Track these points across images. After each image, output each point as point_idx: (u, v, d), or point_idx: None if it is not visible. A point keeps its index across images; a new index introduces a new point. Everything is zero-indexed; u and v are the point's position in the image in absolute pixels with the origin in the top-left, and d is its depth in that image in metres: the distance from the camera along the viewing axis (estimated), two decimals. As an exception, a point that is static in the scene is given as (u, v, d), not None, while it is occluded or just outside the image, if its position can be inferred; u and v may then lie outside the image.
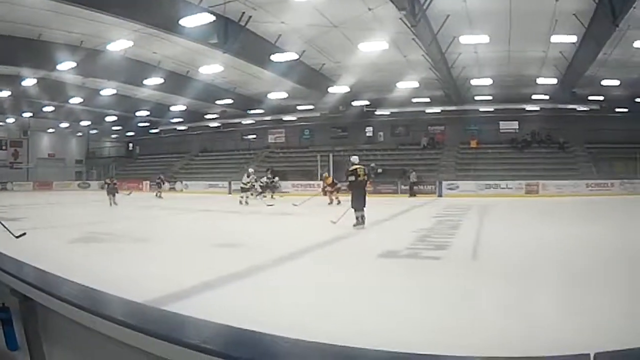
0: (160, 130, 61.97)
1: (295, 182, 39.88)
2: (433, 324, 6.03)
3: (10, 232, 11.92)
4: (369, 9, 24.24)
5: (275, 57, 28.97)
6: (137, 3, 22.20)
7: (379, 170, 42.76)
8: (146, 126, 61.55)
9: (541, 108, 46.23)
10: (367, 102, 46.97)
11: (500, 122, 49.16)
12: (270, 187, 35.42)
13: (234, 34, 25.74)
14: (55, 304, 2.34)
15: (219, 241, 13.17)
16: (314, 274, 9.23)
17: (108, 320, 2.07)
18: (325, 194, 29.85)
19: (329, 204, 27.72)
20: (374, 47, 28.04)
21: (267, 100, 44.30)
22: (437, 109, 48.30)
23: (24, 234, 12.16)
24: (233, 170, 45.19)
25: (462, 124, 49.84)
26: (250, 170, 29.60)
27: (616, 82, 37.16)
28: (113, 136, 68.33)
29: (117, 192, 28.72)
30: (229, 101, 44.99)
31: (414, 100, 45.16)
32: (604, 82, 37.43)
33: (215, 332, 2.22)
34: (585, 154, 44.10)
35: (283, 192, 38.76)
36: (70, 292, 2.44)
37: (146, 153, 63.76)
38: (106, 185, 29.76)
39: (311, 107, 47.60)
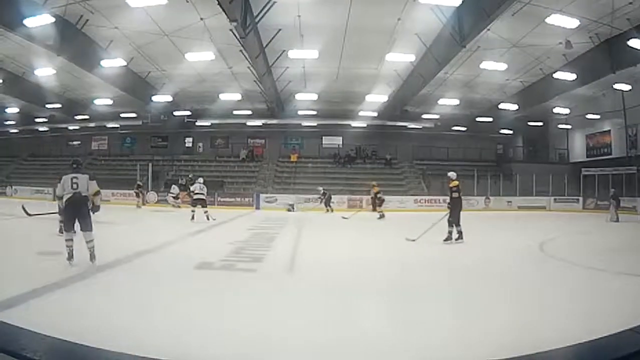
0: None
1: (115, 191, 39.41)
2: (239, 336, 6.20)
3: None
4: (201, 19, 24.74)
5: (105, 63, 28.89)
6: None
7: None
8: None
9: (368, 124, 48.25)
10: (188, 113, 47.42)
11: (324, 137, 51.07)
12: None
13: (70, 37, 25.49)
14: None
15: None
16: (125, 288, 8.92)
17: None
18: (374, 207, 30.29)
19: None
20: (200, 57, 28.43)
21: (93, 106, 43.77)
22: (259, 122, 49.41)
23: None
24: (58, 177, 43.91)
25: (284, 138, 51.43)
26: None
27: (455, 102, 39.80)
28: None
29: None
30: (58, 105, 43.67)
31: (236, 112, 46.10)
32: (442, 101, 39.91)
33: (50, 346, 2.51)
34: (415, 170, 46.71)
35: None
36: None
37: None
38: None
39: (134, 115, 47.16)
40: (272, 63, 31.47)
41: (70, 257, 10.49)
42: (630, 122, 39.27)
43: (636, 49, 24.84)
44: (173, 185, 35.94)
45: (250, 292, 8.92)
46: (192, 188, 25.82)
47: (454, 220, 16.53)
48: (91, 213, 11.03)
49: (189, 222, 22.75)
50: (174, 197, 35.60)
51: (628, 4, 22.68)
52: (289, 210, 36.75)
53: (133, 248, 13.16)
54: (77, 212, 10.77)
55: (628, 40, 24.85)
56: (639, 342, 3.01)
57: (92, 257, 10.66)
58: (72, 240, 10.64)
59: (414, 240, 16.30)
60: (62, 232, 12.75)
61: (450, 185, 16.89)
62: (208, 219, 23.64)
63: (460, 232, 16.46)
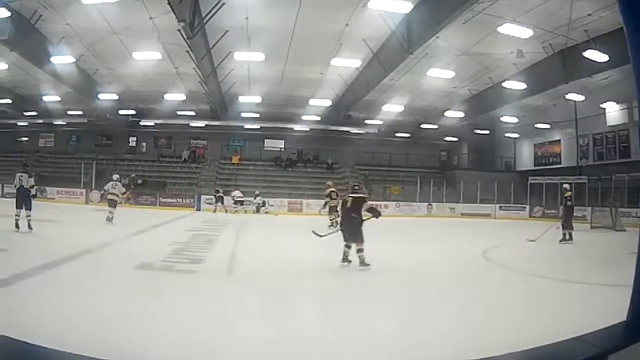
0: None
1: (60, 189, 39.51)
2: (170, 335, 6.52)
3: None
4: (150, 18, 25.07)
5: (55, 59, 29.12)
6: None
7: (139, 181, 43.25)
8: None
9: (311, 128, 49.20)
10: (133, 112, 47.64)
11: (266, 140, 52.14)
12: None
13: (24, 32, 25.67)
14: None
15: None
16: (64, 287, 9.12)
17: None
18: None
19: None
20: (147, 56, 29.17)
21: (41, 103, 43.64)
22: (202, 123, 49.93)
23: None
24: (3, 173, 43.89)
25: (226, 139, 52.29)
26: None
27: (400, 108, 40.66)
28: None
29: None
30: (9, 101, 43.44)
31: (179, 112, 46.52)
32: (386, 107, 40.83)
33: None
34: (356, 175, 47.25)
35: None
36: None
37: None
38: None
39: (81, 112, 47.17)
40: (217, 64, 32.16)
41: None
42: (581, 132, 40.29)
43: (592, 60, 25.71)
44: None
45: (189, 293, 9.42)
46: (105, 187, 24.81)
47: (567, 225, 19.92)
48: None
49: (131, 222, 23.23)
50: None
51: (586, 16, 23.51)
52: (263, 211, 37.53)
53: (74, 247, 13.40)
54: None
55: (584, 51, 25.62)
56: (585, 351, 3.14)
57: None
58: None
59: (533, 241, 19.20)
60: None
61: (566, 195, 19.90)
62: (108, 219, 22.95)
63: (570, 235, 19.98)
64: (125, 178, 38.80)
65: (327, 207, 25.58)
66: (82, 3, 22.19)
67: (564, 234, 20.30)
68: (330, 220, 24.12)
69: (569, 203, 20.56)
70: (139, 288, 9.48)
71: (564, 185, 20.31)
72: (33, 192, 18.00)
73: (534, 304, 9.36)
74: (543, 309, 8.75)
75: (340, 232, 13.38)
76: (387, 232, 19.69)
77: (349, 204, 13.38)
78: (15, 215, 16.98)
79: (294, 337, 6.75)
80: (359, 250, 12.73)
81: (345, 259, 13.04)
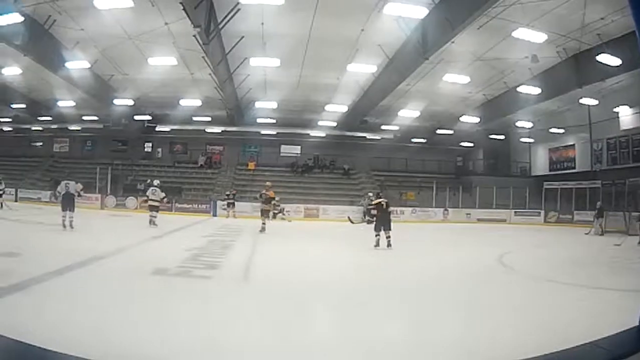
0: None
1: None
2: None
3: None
4: (166, 24, 25.27)
5: (70, 65, 29.27)
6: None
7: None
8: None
9: (327, 134, 49.18)
10: (149, 117, 47.69)
11: (282, 146, 52.23)
12: None
13: (37, 37, 25.76)
14: None
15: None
16: (80, 292, 9.03)
17: None
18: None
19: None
20: (163, 61, 29.33)
21: (56, 108, 43.55)
22: (218, 129, 50.27)
23: None
24: (19, 178, 44.05)
25: (242, 145, 52.46)
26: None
27: (416, 113, 40.61)
28: None
29: None
30: (23, 105, 43.91)
31: (195, 118, 46.72)
32: (402, 113, 40.73)
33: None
34: (372, 181, 47.34)
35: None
36: None
37: None
38: None
39: (96, 118, 47.39)
40: (233, 70, 32.07)
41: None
42: (595, 137, 40.07)
43: (605, 64, 25.61)
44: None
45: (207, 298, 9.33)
46: (147, 193, 26.33)
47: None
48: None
49: (148, 227, 23.51)
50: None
51: (599, 20, 23.48)
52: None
53: (90, 252, 13.28)
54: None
55: (597, 55, 25.59)
56: (599, 356, 3.18)
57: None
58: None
59: (619, 245, 19.80)
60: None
61: None
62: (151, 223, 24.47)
63: None
64: (141, 184, 39.13)
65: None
66: (96, 8, 22.25)
67: None
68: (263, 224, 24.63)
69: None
70: (155, 296, 9.24)
71: None
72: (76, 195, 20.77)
73: (549, 309, 9.25)
74: (557, 314, 8.67)
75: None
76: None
77: (384, 206, 19.31)
78: (62, 216, 19.80)
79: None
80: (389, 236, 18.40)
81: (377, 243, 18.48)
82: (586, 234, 30.07)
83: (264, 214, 25.53)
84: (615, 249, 21.43)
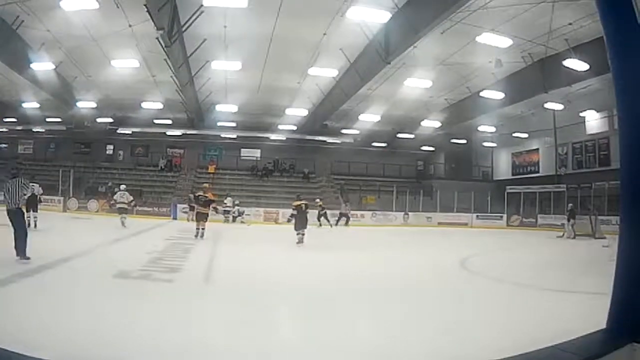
0: None
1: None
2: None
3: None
4: (130, 25, 24.93)
5: (35, 66, 28.89)
6: None
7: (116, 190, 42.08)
8: None
9: (287, 138, 49.19)
10: (111, 120, 47.34)
11: (242, 149, 52.18)
12: None
13: (5, 37, 25.32)
14: None
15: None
16: (43, 295, 9.06)
17: None
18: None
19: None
20: (125, 64, 29.20)
21: (21, 109, 42.98)
22: (179, 132, 49.94)
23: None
24: None
25: (202, 148, 52.34)
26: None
27: (377, 118, 40.55)
28: None
29: None
30: None
31: (156, 121, 46.43)
32: (363, 117, 40.66)
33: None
34: (332, 184, 47.66)
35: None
36: None
37: None
38: None
39: (59, 120, 46.76)
40: (194, 73, 32.09)
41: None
42: (560, 141, 40.73)
43: (572, 69, 25.91)
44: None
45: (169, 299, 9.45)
46: (115, 197, 27.68)
47: None
48: None
49: (109, 230, 23.53)
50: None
51: (567, 25, 23.71)
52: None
53: (52, 255, 13.27)
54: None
55: (564, 60, 25.83)
56: (564, 359, 3.18)
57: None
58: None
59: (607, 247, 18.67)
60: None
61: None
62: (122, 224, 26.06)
63: None
64: (103, 186, 38.87)
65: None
66: (62, 9, 21.92)
67: None
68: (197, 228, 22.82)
69: None
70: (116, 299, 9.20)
71: None
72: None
73: (515, 312, 9.42)
74: (524, 317, 8.75)
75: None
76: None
77: (303, 207, 21.78)
78: (27, 216, 18.53)
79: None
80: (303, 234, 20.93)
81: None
82: (559, 237, 30.59)
83: (201, 217, 22.99)
84: (582, 251, 22.17)
